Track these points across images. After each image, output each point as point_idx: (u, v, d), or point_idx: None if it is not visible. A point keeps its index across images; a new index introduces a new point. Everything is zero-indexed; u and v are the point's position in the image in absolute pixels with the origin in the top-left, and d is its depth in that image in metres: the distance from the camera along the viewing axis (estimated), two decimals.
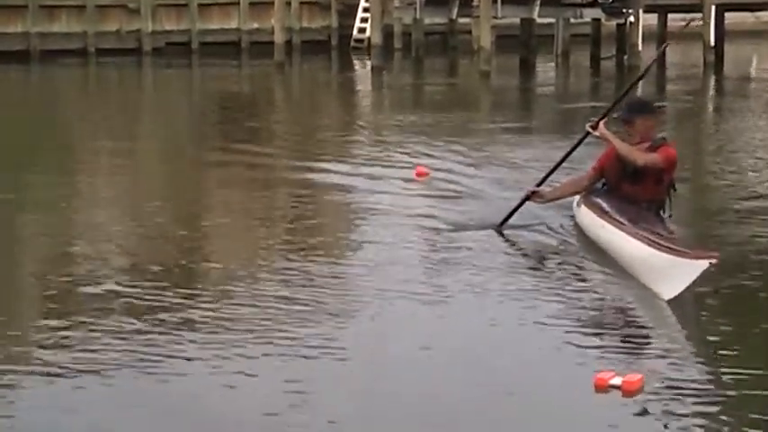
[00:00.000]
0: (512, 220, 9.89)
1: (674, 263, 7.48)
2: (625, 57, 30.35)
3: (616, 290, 8.09)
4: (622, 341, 7.03)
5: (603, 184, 9.58)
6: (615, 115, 9.51)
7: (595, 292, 8.04)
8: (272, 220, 10.87)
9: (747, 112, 21.03)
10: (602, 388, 6.14)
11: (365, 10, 36.13)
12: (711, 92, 26.84)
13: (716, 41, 30.51)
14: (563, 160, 10.14)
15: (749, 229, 10.24)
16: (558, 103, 23.28)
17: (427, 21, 34.69)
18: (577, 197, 9.87)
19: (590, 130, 9.53)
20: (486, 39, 28.09)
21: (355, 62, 35.13)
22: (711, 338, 7.11)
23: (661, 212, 9.23)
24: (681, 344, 7.14)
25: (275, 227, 10.57)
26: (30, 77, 31.62)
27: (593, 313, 7.58)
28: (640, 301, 7.79)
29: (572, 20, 32.16)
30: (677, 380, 6.32)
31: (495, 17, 28.97)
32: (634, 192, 9.18)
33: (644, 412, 5.91)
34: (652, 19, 33.40)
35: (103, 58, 34.57)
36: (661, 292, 7.60)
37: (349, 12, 38.68)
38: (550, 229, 9.85)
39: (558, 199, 10.06)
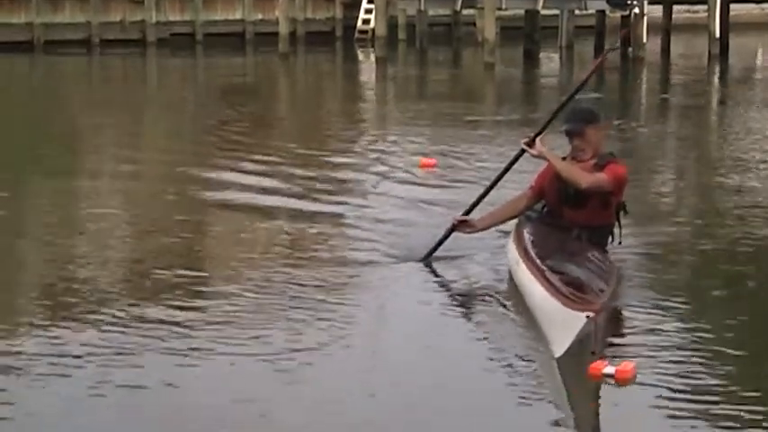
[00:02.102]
0: (443, 252, 8.64)
1: (556, 309, 6.50)
2: (629, 49, 30.27)
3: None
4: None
5: (544, 206, 8.26)
6: (563, 129, 8.03)
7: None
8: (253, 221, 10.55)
9: (750, 104, 20.99)
10: (596, 378, 6.15)
11: (369, 1, 36.11)
12: (716, 83, 26.76)
13: (721, 33, 30.44)
14: (494, 184, 8.80)
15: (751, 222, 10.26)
16: (562, 95, 23.10)
17: (431, 12, 34.72)
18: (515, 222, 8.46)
19: (525, 147, 8.15)
20: (490, 30, 28.06)
21: (359, 53, 35.11)
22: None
23: (609, 239, 8.05)
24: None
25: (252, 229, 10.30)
26: (33, 68, 31.59)
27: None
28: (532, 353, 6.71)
29: (576, 11, 32.15)
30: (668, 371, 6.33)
31: (500, 8, 28.97)
32: (576, 217, 7.91)
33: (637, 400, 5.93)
34: (657, 11, 33.34)
35: (107, 48, 34.55)
36: (552, 347, 6.44)
37: (353, 3, 38.68)
38: (483, 261, 8.60)
39: (491, 226, 8.63)
